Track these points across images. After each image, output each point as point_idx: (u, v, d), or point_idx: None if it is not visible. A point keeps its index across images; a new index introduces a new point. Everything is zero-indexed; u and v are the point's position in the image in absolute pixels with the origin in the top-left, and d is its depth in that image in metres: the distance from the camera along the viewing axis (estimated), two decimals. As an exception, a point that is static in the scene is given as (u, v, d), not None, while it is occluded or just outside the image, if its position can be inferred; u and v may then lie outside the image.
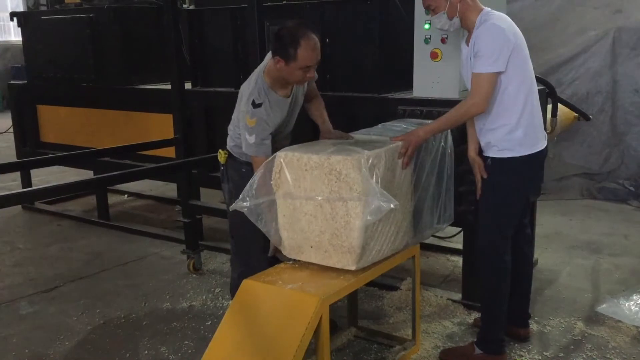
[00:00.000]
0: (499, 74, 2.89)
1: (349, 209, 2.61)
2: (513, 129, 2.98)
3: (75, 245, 5.27)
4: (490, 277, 3.18)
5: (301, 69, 2.93)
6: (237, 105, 3.24)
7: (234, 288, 3.16)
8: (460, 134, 3.49)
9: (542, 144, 3.08)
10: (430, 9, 3.12)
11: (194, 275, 4.48)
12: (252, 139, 3.02)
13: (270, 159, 2.82)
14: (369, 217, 2.56)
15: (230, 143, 3.34)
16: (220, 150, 3.38)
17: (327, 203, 2.66)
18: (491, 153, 3.07)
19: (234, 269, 3.51)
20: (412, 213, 3.09)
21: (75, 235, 5.52)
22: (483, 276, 3.23)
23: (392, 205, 2.53)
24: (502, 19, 2.97)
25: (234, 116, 3.31)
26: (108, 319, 3.86)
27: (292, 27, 2.94)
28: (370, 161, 2.65)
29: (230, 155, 3.32)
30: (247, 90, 3.09)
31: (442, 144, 3.25)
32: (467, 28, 3.05)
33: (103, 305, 4.06)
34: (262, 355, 2.49)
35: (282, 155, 2.77)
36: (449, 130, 3.22)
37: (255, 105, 3.00)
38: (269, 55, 3.12)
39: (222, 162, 3.36)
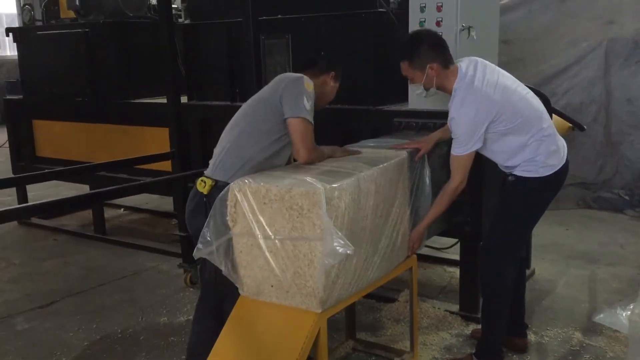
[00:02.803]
0: (472, 153, 2.97)
1: (313, 248, 2.40)
2: (531, 160, 3.00)
3: (71, 260, 5.25)
4: (494, 287, 3.17)
5: (337, 88, 3.15)
6: (249, 113, 2.93)
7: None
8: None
9: (562, 161, 3.06)
10: (408, 78, 3.18)
11: (191, 289, 4.47)
12: (309, 105, 2.79)
13: (224, 190, 2.56)
14: (326, 261, 2.37)
15: (225, 164, 2.84)
16: (203, 177, 2.84)
17: (289, 240, 2.44)
18: (515, 171, 3.07)
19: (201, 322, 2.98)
20: (385, 243, 2.86)
21: (72, 250, 5.50)
22: (485, 285, 3.23)
23: (348, 252, 2.35)
24: (474, 90, 2.93)
25: (237, 130, 2.90)
26: (105, 334, 3.84)
27: None
28: (334, 194, 2.41)
29: (216, 184, 2.81)
30: (288, 75, 2.98)
31: (420, 171, 3.14)
32: (446, 92, 3.07)
33: (100, 320, 4.04)
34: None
35: (237, 187, 2.51)
36: (426, 159, 3.15)
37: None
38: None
39: (204, 193, 2.82)
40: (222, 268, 2.59)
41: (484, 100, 2.92)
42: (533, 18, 6.70)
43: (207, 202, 2.79)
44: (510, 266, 3.19)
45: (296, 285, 2.48)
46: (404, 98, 3.86)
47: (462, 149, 2.95)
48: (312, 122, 2.81)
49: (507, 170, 3.12)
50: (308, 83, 2.82)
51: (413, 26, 3.69)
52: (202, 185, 2.82)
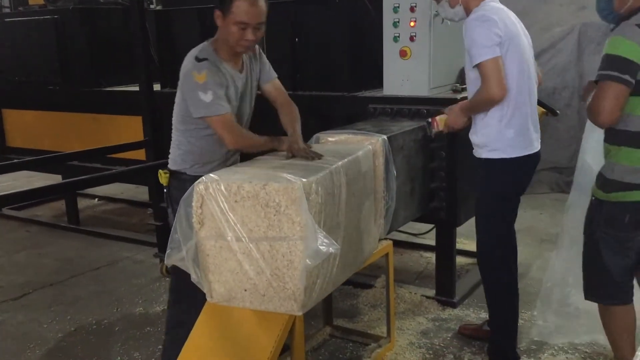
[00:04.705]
0: (498, 58, 2.81)
1: (292, 248, 2.27)
2: (504, 129, 2.91)
3: (44, 251, 5.18)
4: (493, 286, 3.12)
5: (236, 24, 2.63)
6: (175, 104, 2.90)
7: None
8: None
9: (534, 147, 3.00)
10: None
11: (167, 279, 4.43)
12: (208, 97, 2.61)
13: (188, 192, 2.38)
14: (308, 262, 2.25)
15: (172, 155, 2.90)
16: (160, 170, 2.90)
17: (265, 240, 2.31)
18: (483, 154, 3.00)
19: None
20: (357, 237, 2.79)
21: (45, 241, 5.43)
22: (486, 285, 3.17)
23: (331, 250, 2.25)
24: (496, 11, 2.92)
25: (175, 117, 2.90)
26: (79, 326, 3.80)
27: None
28: (312, 189, 2.30)
29: (172, 174, 2.86)
30: (187, 59, 2.78)
31: (387, 161, 3.02)
32: (467, 13, 3.03)
33: (74, 311, 4.00)
34: (238, 357, 2.48)
35: (203, 187, 2.34)
36: (390, 150, 2.99)
37: (199, 59, 2.67)
38: None
39: (164, 184, 2.89)
40: (192, 275, 2.47)
41: (505, 21, 2.91)
42: (507, 3, 6.68)
43: (167, 194, 2.89)
44: (505, 254, 3.07)
45: (273, 288, 2.36)
46: (379, 84, 3.85)
47: (482, 56, 2.79)
48: (225, 106, 2.65)
49: (477, 149, 3.04)
50: (198, 75, 2.64)
51: (387, 12, 3.67)
52: (161, 177, 2.87)
